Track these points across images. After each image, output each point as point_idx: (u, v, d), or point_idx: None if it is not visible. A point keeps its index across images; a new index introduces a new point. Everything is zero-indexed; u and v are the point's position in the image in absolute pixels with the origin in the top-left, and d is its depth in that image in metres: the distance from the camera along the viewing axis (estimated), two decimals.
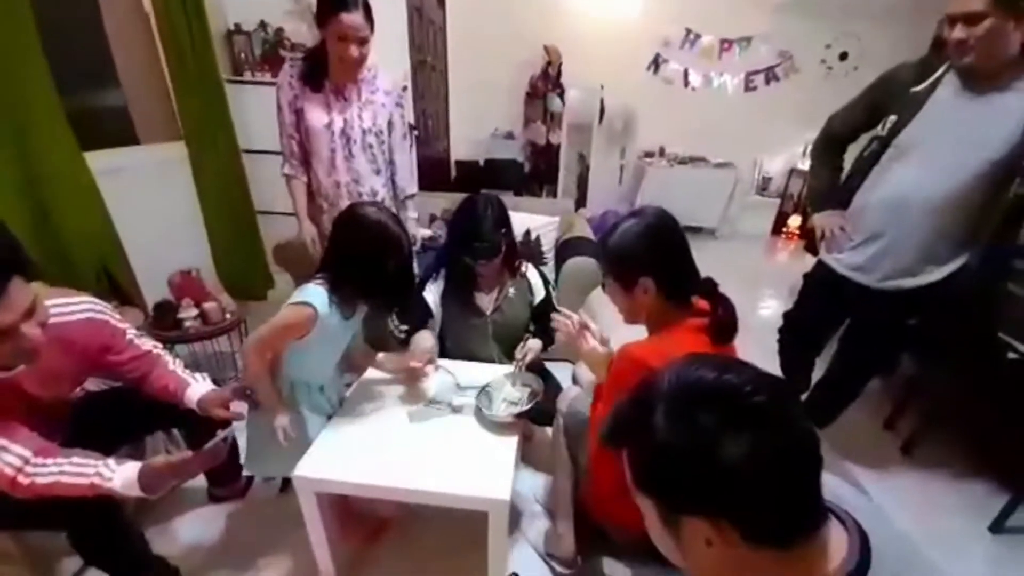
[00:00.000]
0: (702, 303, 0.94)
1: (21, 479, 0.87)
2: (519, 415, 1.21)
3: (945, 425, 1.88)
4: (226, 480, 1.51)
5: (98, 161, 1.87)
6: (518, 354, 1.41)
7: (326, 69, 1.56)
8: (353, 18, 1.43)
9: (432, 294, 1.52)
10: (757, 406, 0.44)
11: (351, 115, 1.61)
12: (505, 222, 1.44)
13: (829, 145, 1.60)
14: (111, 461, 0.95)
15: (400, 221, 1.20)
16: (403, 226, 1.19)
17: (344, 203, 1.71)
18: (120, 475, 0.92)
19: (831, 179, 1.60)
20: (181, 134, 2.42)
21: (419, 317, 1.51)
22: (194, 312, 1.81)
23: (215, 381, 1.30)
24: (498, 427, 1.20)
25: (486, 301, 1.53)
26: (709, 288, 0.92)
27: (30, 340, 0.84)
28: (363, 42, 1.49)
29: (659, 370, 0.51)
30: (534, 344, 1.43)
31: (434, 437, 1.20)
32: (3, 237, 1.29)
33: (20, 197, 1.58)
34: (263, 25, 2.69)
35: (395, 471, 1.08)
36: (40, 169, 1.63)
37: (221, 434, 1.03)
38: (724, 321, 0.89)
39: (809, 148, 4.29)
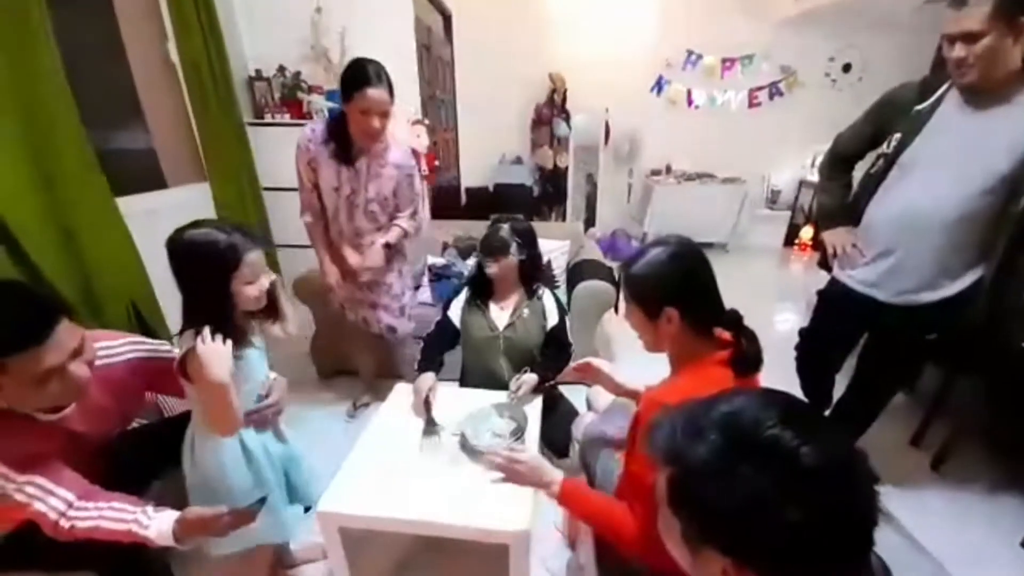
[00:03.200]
0: (724, 334, 0.92)
1: (63, 523, 0.90)
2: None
3: (973, 440, 1.83)
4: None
5: (129, 206, 1.98)
6: (513, 385, 1.42)
7: (346, 139, 1.63)
8: (378, 92, 1.51)
9: (455, 311, 1.62)
10: (810, 472, 0.42)
11: (359, 185, 1.70)
12: (525, 234, 1.53)
13: (836, 164, 1.62)
14: (149, 508, 0.97)
15: (230, 225, 1.06)
16: (242, 230, 1.06)
17: (347, 251, 1.81)
18: (156, 524, 0.94)
19: (840, 196, 1.61)
20: (206, 175, 2.54)
21: (441, 343, 1.60)
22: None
23: None
24: (478, 457, 1.19)
25: (501, 317, 1.60)
26: (734, 320, 0.91)
27: (78, 379, 0.89)
28: (385, 115, 1.56)
29: (714, 396, 0.52)
30: (529, 378, 1.43)
31: (453, 469, 1.21)
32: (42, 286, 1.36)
33: (54, 246, 1.65)
34: (281, 70, 2.84)
35: (416, 504, 1.09)
36: (73, 217, 1.70)
37: (258, 495, 1.02)
38: (749, 355, 0.87)
39: (817, 160, 4.31)
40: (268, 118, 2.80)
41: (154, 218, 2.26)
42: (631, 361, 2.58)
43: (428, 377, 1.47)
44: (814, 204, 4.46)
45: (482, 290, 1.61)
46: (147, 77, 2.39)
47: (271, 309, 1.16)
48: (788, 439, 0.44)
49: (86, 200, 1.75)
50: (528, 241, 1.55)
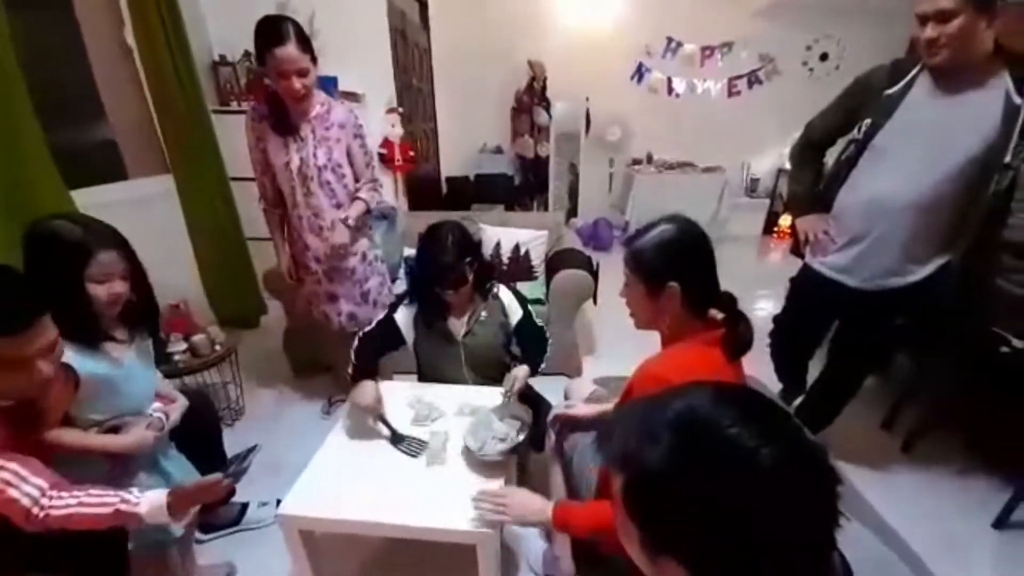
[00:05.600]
0: (716, 316, 0.93)
1: (36, 511, 0.86)
2: (512, 450, 1.17)
3: (944, 422, 1.87)
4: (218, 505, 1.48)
5: (86, 198, 1.88)
6: (506, 385, 1.34)
7: (283, 108, 1.58)
8: (287, 51, 1.43)
9: (403, 317, 1.47)
10: (770, 474, 0.40)
11: (307, 154, 1.63)
12: (470, 249, 1.39)
13: (807, 150, 1.62)
14: (134, 490, 0.95)
15: (80, 219, 1.08)
16: (102, 229, 1.08)
17: (307, 236, 1.74)
18: (147, 500, 0.92)
19: (812, 183, 1.61)
20: (169, 166, 2.44)
21: (387, 344, 1.47)
22: (183, 346, 1.81)
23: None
24: (487, 466, 1.15)
25: (458, 326, 1.49)
26: (728, 302, 0.91)
27: (44, 375, 0.88)
28: (303, 73, 1.48)
29: (667, 393, 0.49)
30: (521, 372, 1.37)
31: (419, 469, 1.18)
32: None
33: (4, 242, 1.58)
34: (247, 55, 2.72)
35: (380, 506, 1.06)
36: (26, 208, 1.61)
37: (247, 454, 1.02)
38: (742, 337, 0.88)
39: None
40: (234, 105, 2.69)
41: (113, 211, 2.15)
42: (611, 351, 2.61)
43: (369, 389, 1.30)
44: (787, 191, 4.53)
45: (436, 311, 1.47)
46: (105, 64, 2.27)
47: (138, 317, 1.19)
48: (746, 439, 0.42)
49: (37, 192, 1.65)
50: (475, 250, 1.43)
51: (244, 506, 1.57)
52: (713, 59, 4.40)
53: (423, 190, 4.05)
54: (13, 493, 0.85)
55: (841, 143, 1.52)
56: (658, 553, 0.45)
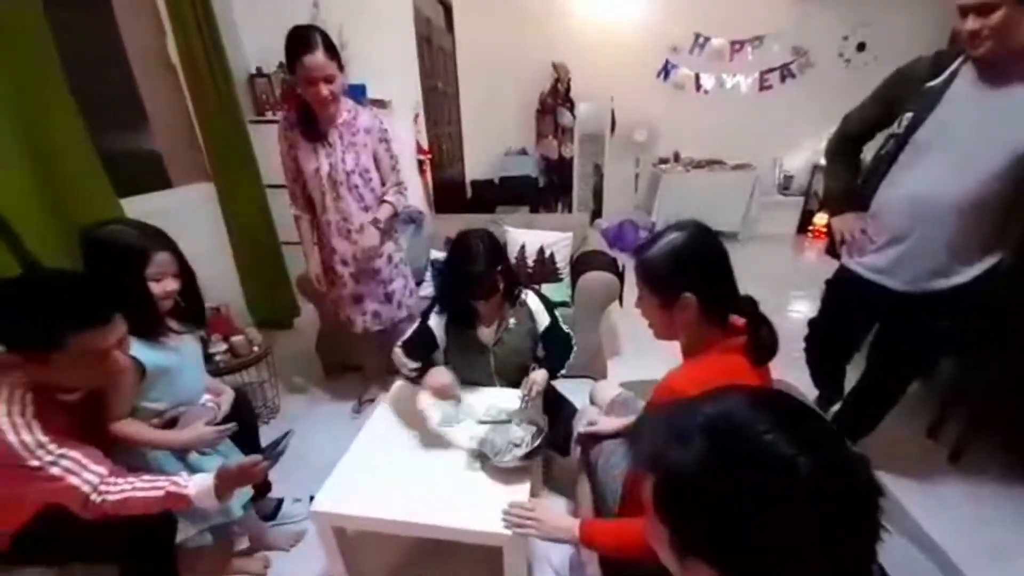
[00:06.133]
0: (738, 321, 0.90)
1: (95, 497, 0.92)
2: (526, 456, 1.17)
3: (992, 431, 1.76)
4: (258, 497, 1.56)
5: (135, 206, 1.99)
6: (523, 389, 1.34)
7: (312, 115, 1.64)
8: (315, 59, 1.49)
9: (436, 323, 1.47)
10: (807, 484, 0.39)
11: (336, 159, 1.68)
12: (500, 258, 1.39)
13: (845, 145, 1.56)
14: (184, 474, 1.03)
15: (132, 223, 1.22)
16: (155, 233, 1.20)
17: (335, 240, 1.79)
18: (195, 483, 0.99)
19: (848, 180, 1.55)
20: (209, 175, 2.56)
21: (425, 347, 1.47)
22: (223, 347, 1.90)
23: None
24: (507, 473, 1.16)
25: (487, 334, 1.49)
26: (750, 306, 0.88)
27: (120, 365, 0.99)
28: (330, 80, 1.53)
29: (701, 396, 0.48)
30: (539, 377, 1.37)
31: (448, 470, 1.20)
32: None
33: (59, 247, 1.66)
34: (282, 66, 2.82)
35: (410, 505, 1.08)
36: (78, 219, 1.70)
37: (283, 438, 1.08)
38: (765, 343, 0.84)
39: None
40: (269, 115, 2.79)
41: (159, 218, 2.27)
42: (637, 353, 2.57)
43: (442, 370, 1.34)
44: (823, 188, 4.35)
45: (465, 320, 1.48)
46: (148, 78, 2.40)
47: (188, 313, 1.30)
48: (783, 446, 0.41)
49: (90, 201, 1.76)
50: (502, 257, 1.41)
51: (279, 502, 1.63)
52: (743, 53, 4.28)
53: (448, 194, 4.10)
54: (74, 480, 0.92)
55: (880, 138, 1.46)
56: (687, 554, 0.45)
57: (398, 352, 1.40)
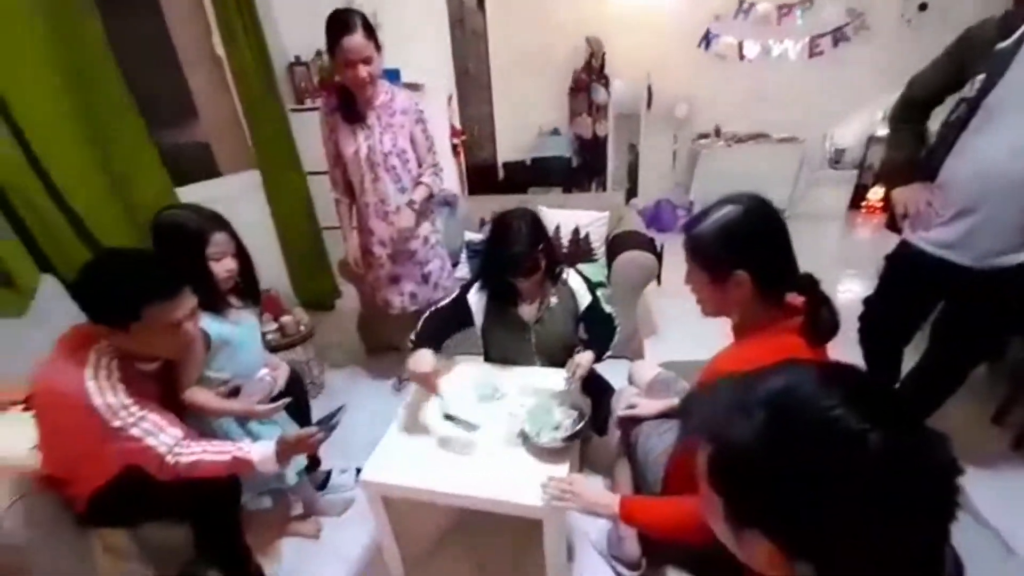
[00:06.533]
0: (795, 300, 0.85)
1: (170, 459, 1.01)
2: (567, 439, 1.17)
3: None
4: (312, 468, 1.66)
5: (188, 195, 2.10)
6: (567, 371, 1.33)
7: (351, 97, 1.68)
8: (354, 40, 1.52)
9: (476, 300, 1.48)
10: (877, 460, 0.38)
11: (374, 141, 1.72)
12: (541, 236, 1.38)
13: (909, 111, 1.45)
14: (247, 441, 1.15)
15: (193, 208, 1.30)
16: (213, 216, 1.29)
17: (373, 222, 1.83)
18: (257, 449, 1.08)
19: (913, 148, 1.44)
20: (255, 163, 2.66)
21: (456, 322, 1.48)
22: (274, 326, 2.00)
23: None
24: (546, 452, 1.17)
25: (528, 312, 1.49)
26: (808, 285, 0.83)
27: (191, 336, 1.08)
28: (368, 61, 1.57)
29: (763, 369, 0.48)
30: (585, 359, 1.35)
31: (489, 446, 1.22)
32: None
33: (126, 239, 1.78)
34: (319, 54, 2.88)
35: (454, 478, 1.12)
36: (141, 211, 1.82)
37: (336, 412, 1.17)
38: (826, 323, 0.80)
39: (887, 114, 3.89)
40: (308, 103, 2.86)
41: (210, 206, 2.40)
42: (673, 334, 2.53)
43: (427, 356, 1.28)
44: (883, 158, 4.06)
45: (506, 299, 1.47)
46: (196, 72, 2.50)
47: (247, 292, 1.41)
48: (853, 421, 0.39)
49: (147, 189, 1.87)
50: (544, 235, 1.39)
51: (328, 473, 1.72)
52: (791, 17, 4.00)
53: (480, 176, 4.10)
54: (151, 441, 1.00)
55: (950, 103, 1.35)
56: (743, 525, 0.45)
57: (423, 318, 1.43)
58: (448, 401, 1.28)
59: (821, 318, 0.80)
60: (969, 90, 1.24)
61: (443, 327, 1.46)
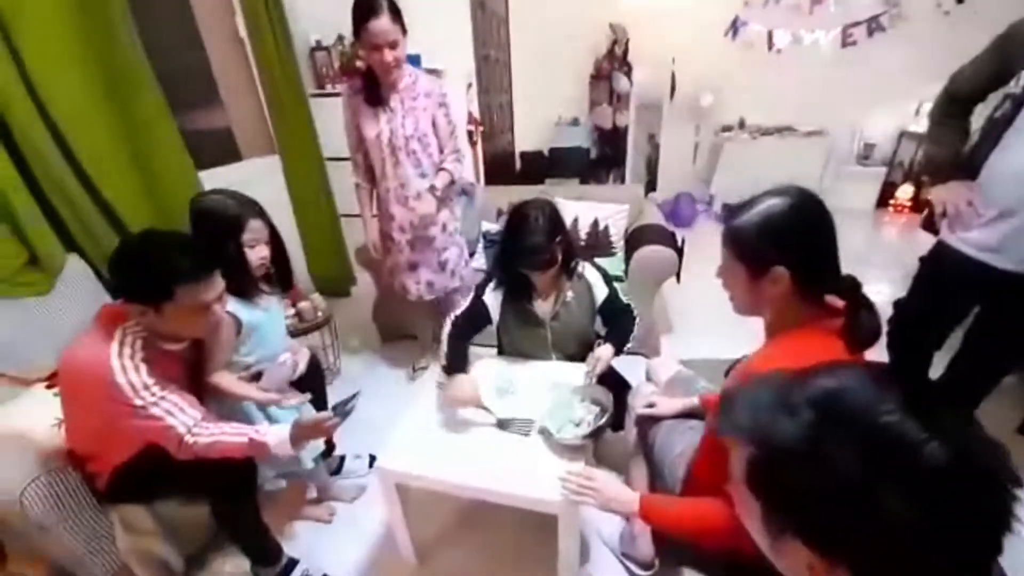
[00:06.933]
0: (836, 301, 0.81)
1: (188, 438, 1.03)
2: (588, 435, 1.16)
3: None
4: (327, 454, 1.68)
5: (210, 180, 2.11)
6: (588, 366, 1.31)
7: (375, 80, 1.67)
8: (380, 24, 1.50)
9: (492, 299, 1.46)
10: (935, 472, 0.36)
11: (396, 124, 1.71)
12: (559, 228, 1.34)
13: (952, 105, 1.38)
14: (265, 423, 1.17)
15: (230, 194, 1.29)
16: (248, 201, 1.29)
17: (393, 207, 1.82)
18: (273, 433, 1.09)
19: (955, 145, 1.38)
20: (275, 147, 2.67)
21: (474, 328, 1.46)
22: (291, 312, 2.01)
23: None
24: (564, 447, 1.16)
25: (544, 308, 1.46)
26: (851, 287, 0.79)
27: (219, 317, 1.10)
28: (394, 45, 1.55)
29: (811, 368, 0.45)
30: (605, 353, 1.32)
31: (504, 438, 1.21)
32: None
33: (151, 215, 1.83)
34: (340, 39, 2.86)
35: (468, 469, 1.12)
36: (165, 197, 1.87)
37: (351, 399, 1.17)
38: (868, 328, 0.76)
39: (924, 107, 3.74)
40: (329, 88, 2.85)
41: (231, 188, 2.42)
42: (691, 330, 2.49)
43: (465, 384, 1.28)
44: (918, 156, 3.91)
45: (522, 293, 1.44)
46: (219, 55, 2.50)
47: (278, 279, 1.41)
48: (912, 431, 0.37)
49: (176, 177, 1.90)
50: (561, 227, 1.35)
51: (342, 458, 1.74)
52: (824, 5, 3.84)
53: (497, 166, 4.06)
54: (171, 421, 1.02)
55: (993, 99, 1.28)
56: (782, 531, 0.43)
57: (446, 328, 1.41)
58: (498, 411, 1.28)
59: (862, 322, 0.76)
60: (1015, 86, 1.18)
61: (466, 335, 1.44)
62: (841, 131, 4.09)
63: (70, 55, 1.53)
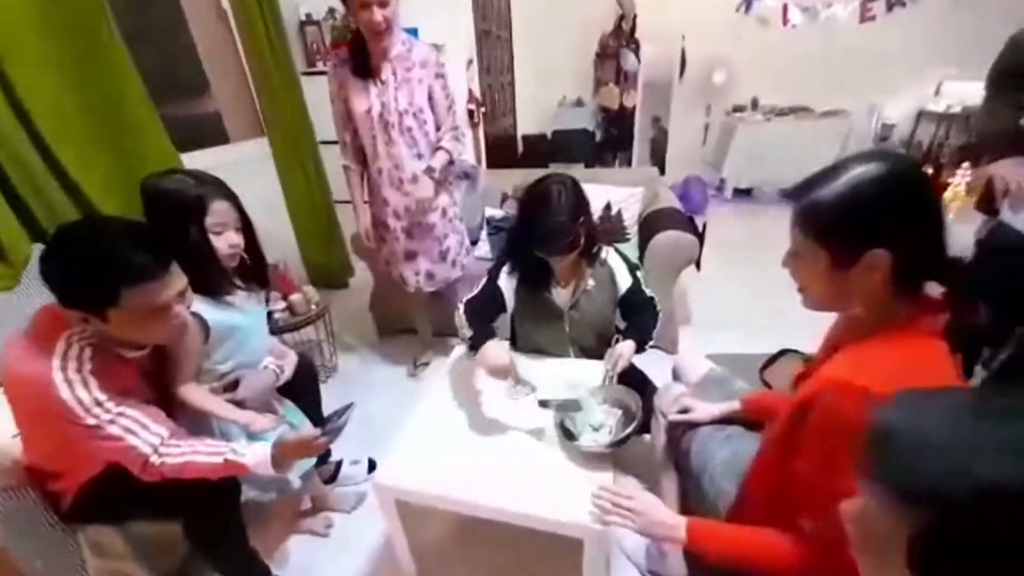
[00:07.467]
0: (930, 294, 0.66)
1: (154, 459, 0.89)
2: (614, 443, 1.02)
3: None
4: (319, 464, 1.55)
5: (194, 162, 1.96)
6: (607, 364, 1.18)
7: (364, 48, 1.51)
8: None
9: (506, 284, 1.32)
10: None
11: (388, 98, 1.54)
12: (583, 208, 1.21)
13: (1007, 77, 1.27)
14: (243, 441, 1.00)
15: (190, 173, 1.12)
16: (201, 175, 1.11)
17: (386, 191, 1.66)
18: (252, 452, 0.95)
19: (1013, 119, 1.26)
20: (264, 130, 2.50)
21: (490, 313, 1.32)
22: (282, 305, 1.87)
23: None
24: (584, 456, 1.03)
25: (562, 297, 1.33)
26: (958, 273, 0.64)
27: (180, 320, 0.91)
28: (384, 4, 1.40)
29: (1004, 407, 0.35)
30: (625, 349, 1.20)
31: (516, 447, 1.08)
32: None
33: (124, 200, 1.68)
34: (331, 12, 2.68)
35: (478, 485, 0.99)
36: (141, 174, 1.70)
37: (343, 411, 1.01)
38: (981, 328, 0.66)
39: (944, 86, 3.55)
40: (320, 66, 2.67)
41: (217, 173, 2.25)
42: (710, 322, 2.35)
43: (497, 349, 1.14)
44: (937, 137, 3.74)
45: (540, 280, 1.32)
46: (205, 34, 2.33)
47: (252, 273, 1.21)
48: None
49: (154, 161, 1.73)
50: (585, 206, 1.23)
51: (338, 464, 1.62)
52: None
53: (499, 149, 3.89)
54: (133, 440, 0.88)
55: None
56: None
57: (460, 312, 1.27)
58: (541, 387, 1.15)
59: (981, 323, 0.63)
60: None
61: (485, 314, 1.30)
62: (859, 111, 3.92)
63: (36, 31, 1.40)
